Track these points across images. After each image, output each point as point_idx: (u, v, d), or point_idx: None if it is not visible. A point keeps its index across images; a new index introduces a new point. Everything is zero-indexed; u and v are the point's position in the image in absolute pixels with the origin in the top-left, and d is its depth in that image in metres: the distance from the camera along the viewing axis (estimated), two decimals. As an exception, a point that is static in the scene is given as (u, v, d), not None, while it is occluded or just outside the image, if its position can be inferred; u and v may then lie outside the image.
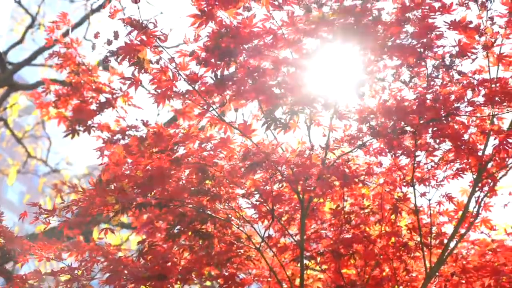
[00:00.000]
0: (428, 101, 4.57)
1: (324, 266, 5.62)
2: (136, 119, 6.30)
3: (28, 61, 11.52)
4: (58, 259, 4.83)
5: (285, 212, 5.37)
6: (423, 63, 4.64)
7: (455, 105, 4.50)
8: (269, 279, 5.64)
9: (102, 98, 6.20)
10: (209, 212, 4.82)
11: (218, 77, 4.48)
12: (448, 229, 5.48)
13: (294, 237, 5.32)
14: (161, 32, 4.32)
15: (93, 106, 6.21)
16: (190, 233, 5.08)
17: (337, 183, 4.93)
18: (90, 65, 6.20)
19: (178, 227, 5.07)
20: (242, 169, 4.48)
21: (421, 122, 4.55)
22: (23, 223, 5.25)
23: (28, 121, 16.40)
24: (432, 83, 4.64)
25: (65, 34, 6.21)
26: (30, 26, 12.45)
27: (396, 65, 4.82)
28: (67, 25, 5.90)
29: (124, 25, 4.27)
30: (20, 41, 12.44)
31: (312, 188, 4.67)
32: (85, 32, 12.68)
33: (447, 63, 4.62)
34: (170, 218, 5.44)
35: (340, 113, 4.59)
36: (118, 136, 6.30)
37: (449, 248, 5.15)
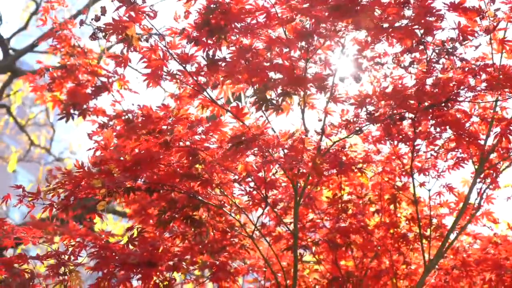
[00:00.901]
0: (427, 86, 4.38)
1: (320, 257, 5.48)
2: (132, 104, 6.16)
3: (31, 48, 11.38)
4: (50, 242, 4.70)
5: (280, 200, 5.22)
6: (422, 47, 4.47)
7: (455, 91, 4.31)
8: (264, 269, 5.50)
9: (97, 81, 6.07)
10: (200, 198, 4.67)
11: (210, 57, 4.32)
12: (448, 221, 5.35)
13: (288, 226, 5.16)
14: (150, 9, 4.16)
15: (89, 90, 6.08)
16: (181, 220, 4.92)
17: (334, 170, 4.78)
18: (86, 48, 6.05)
19: (169, 213, 4.91)
20: (229, 155, 4.31)
21: (420, 108, 4.37)
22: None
23: (33, 110, 16.22)
24: (432, 68, 4.46)
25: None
26: (35, 12, 12.28)
27: (395, 52, 4.65)
28: (61, 6, 5.76)
29: (112, 0, 4.11)
30: (24, 27, 12.30)
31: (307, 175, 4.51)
32: (85, 18, 12.53)
33: (448, 48, 4.45)
34: (162, 205, 5.31)
35: (335, 96, 4.42)
36: (114, 121, 6.17)
37: (449, 241, 4.99)
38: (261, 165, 4.41)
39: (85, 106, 6.10)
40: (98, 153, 4.62)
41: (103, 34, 4.20)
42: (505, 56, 4.75)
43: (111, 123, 6.16)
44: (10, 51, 11.24)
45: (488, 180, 5.07)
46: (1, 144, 20.34)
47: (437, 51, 4.48)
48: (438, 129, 4.70)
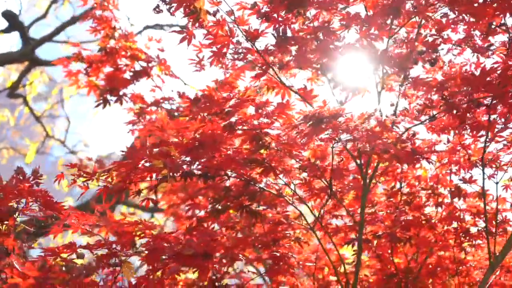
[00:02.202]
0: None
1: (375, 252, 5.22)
2: (172, 90, 5.93)
3: (50, 37, 11.14)
4: (90, 234, 4.43)
5: (339, 191, 4.94)
6: (503, 29, 4.19)
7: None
8: (313, 264, 5.24)
9: (137, 66, 5.83)
10: (261, 186, 4.39)
11: (280, 34, 4.04)
12: (510, 215, 5.09)
13: (352, 216, 4.89)
14: (222, -22, 3.89)
15: (127, 75, 5.84)
16: (235, 209, 4.66)
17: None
18: (127, 30, 5.80)
19: (223, 202, 4.65)
20: (301, 137, 4.03)
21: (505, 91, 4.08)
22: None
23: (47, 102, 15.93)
24: (513, 51, 4.18)
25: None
26: (54, 1, 12.02)
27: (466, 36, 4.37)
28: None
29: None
30: (43, 16, 12.05)
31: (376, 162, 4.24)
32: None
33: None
34: (210, 194, 5.05)
35: (416, 78, 4.13)
36: (152, 108, 5.94)
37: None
38: (327, 151, 4.14)
39: (122, 92, 5.86)
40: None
41: (168, 6, 3.92)
42: None
43: (147, 109, 5.94)
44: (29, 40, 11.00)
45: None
46: (16, 134, 19.97)
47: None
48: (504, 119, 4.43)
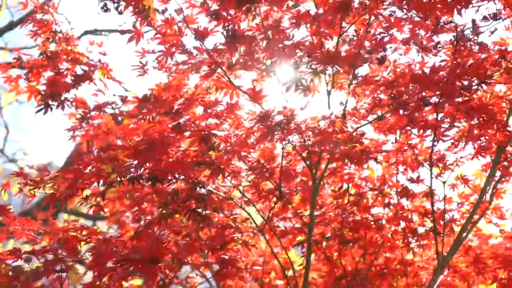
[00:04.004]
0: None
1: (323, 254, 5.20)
2: (114, 95, 5.83)
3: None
4: (33, 242, 4.33)
5: (287, 192, 4.90)
6: (451, 26, 4.20)
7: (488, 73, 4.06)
8: (261, 267, 5.21)
9: (78, 70, 5.71)
10: (210, 189, 4.33)
11: (230, 33, 3.99)
12: (458, 215, 5.12)
13: (301, 218, 4.86)
14: (171, -25, 3.84)
15: (68, 79, 5.71)
16: (183, 214, 4.58)
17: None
18: (68, 34, 5.68)
19: (171, 206, 4.58)
20: (253, 137, 4.00)
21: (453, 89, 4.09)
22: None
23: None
24: (460, 49, 4.21)
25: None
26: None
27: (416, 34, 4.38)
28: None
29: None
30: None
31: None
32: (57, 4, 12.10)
33: (470, 31, 4.21)
34: (157, 200, 4.97)
35: (366, 76, 4.12)
36: (95, 112, 5.82)
37: (462, 236, 4.73)
38: (282, 152, 4.11)
39: (64, 97, 5.74)
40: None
41: (116, 5, 3.85)
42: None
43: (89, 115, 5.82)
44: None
45: (498, 173, 4.85)
46: None
47: (462, 32, 4.23)
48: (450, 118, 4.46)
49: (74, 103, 5.74)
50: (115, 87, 5.72)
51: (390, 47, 4.29)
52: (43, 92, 5.67)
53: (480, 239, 5.23)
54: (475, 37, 4.24)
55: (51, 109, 5.71)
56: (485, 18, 4.16)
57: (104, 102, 5.69)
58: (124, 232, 5.86)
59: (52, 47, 5.60)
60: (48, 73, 5.63)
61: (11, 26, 11.00)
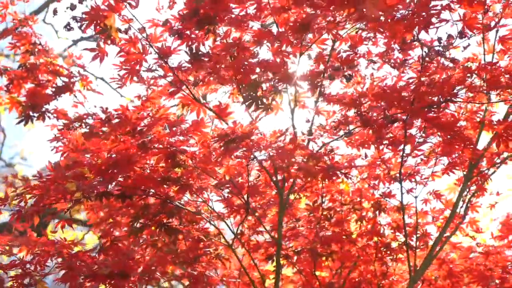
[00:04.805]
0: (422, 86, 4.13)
1: (301, 267, 5.20)
2: (95, 106, 5.84)
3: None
4: (8, 254, 4.36)
5: (259, 207, 4.92)
6: (417, 44, 4.21)
7: (454, 90, 4.06)
8: (237, 280, 5.22)
9: (59, 82, 5.73)
10: (177, 203, 4.35)
11: (194, 51, 4.01)
12: (431, 229, 5.13)
13: (270, 233, 4.87)
14: (132, -3, 3.85)
15: (49, 91, 5.74)
16: (154, 227, 4.60)
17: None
18: (47, 46, 5.71)
19: (142, 221, 4.59)
20: (216, 155, 4.01)
21: (417, 108, 4.09)
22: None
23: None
24: (426, 66, 4.21)
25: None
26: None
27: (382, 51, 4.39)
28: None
29: (90, -12, 3.79)
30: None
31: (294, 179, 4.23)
32: (44, 16, 12.15)
33: (440, 47, 4.22)
34: (131, 212, 4.99)
35: (328, 95, 4.14)
36: (75, 124, 5.84)
37: (436, 250, 4.74)
38: (245, 168, 4.13)
39: (44, 108, 5.76)
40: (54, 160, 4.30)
41: (79, 24, 3.87)
42: (497, 58, 4.52)
43: (71, 126, 5.84)
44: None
45: (473, 188, 4.86)
46: None
47: (429, 50, 4.24)
48: (425, 133, 4.47)
49: (55, 114, 5.76)
50: (107, 95, 5.73)
51: (360, 64, 4.31)
52: (23, 104, 5.69)
53: (460, 252, 5.23)
54: (444, 54, 4.25)
55: (32, 120, 5.73)
56: (450, 37, 4.16)
57: (84, 113, 5.72)
58: (105, 241, 5.88)
59: (32, 59, 5.62)
60: (29, 85, 5.66)
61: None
